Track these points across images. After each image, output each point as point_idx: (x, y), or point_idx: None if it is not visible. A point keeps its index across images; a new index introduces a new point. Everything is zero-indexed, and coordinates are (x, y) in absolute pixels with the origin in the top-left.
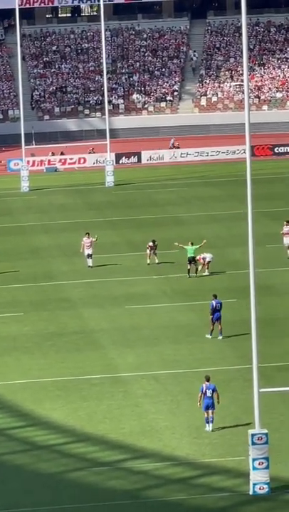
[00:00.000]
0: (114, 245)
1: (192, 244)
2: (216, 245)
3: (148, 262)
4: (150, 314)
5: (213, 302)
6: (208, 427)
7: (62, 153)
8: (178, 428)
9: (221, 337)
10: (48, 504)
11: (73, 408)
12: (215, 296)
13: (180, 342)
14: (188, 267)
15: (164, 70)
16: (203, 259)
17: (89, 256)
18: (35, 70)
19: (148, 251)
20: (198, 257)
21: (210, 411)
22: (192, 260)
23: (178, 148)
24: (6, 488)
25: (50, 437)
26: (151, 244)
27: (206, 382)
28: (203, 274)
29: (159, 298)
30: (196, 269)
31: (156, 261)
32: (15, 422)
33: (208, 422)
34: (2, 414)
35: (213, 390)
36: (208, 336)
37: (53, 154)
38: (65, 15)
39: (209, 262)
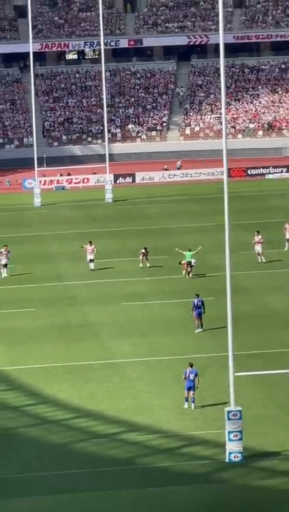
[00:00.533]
0: (113, 252)
1: (190, 250)
2: (199, 252)
3: (141, 266)
4: (143, 310)
5: (195, 300)
6: (187, 405)
7: (68, 174)
8: (166, 406)
9: (201, 330)
10: (56, 470)
11: (77, 389)
12: (197, 295)
13: (168, 333)
14: (187, 269)
15: (154, 104)
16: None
17: (91, 261)
18: (46, 104)
19: (140, 257)
20: (182, 262)
21: (191, 392)
22: (189, 264)
23: (174, 169)
24: (21, 455)
25: (58, 413)
26: (143, 250)
27: (190, 368)
28: (187, 277)
29: (151, 296)
30: (189, 272)
31: (148, 265)
32: (28, 400)
33: (187, 401)
34: (18, 393)
35: (195, 375)
36: (199, 330)
37: (61, 175)
38: (72, 57)
39: (192, 266)
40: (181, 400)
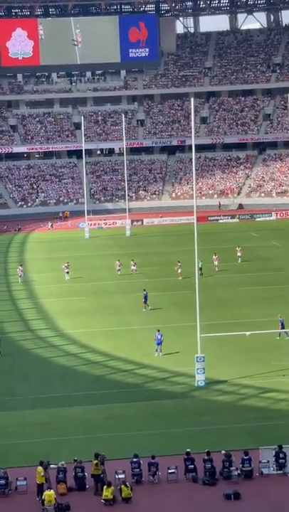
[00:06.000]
0: (130, 265)
1: (201, 261)
2: (182, 263)
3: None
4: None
5: (144, 292)
6: (157, 354)
7: (104, 220)
8: (159, 353)
9: (148, 310)
10: (96, 390)
11: (111, 343)
12: (144, 289)
13: (155, 311)
14: (200, 272)
15: (154, 179)
16: (178, 270)
17: (118, 270)
18: (92, 179)
19: (132, 267)
20: (176, 268)
21: (160, 346)
22: (200, 269)
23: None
24: (77, 382)
25: (98, 357)
26: (132, 262)
27: (157, 332)
28: (179, 278)
29: (149, 289)
30: (201, 274)
31: (136, 272)
32: (80, 349)
33: (156, 351)
34: (75, 345)
35: (161, 336)
36: (144, 310)
37: (101, 220)
38: (106, 152)
39: (201, 269)
40: (168, 349)
